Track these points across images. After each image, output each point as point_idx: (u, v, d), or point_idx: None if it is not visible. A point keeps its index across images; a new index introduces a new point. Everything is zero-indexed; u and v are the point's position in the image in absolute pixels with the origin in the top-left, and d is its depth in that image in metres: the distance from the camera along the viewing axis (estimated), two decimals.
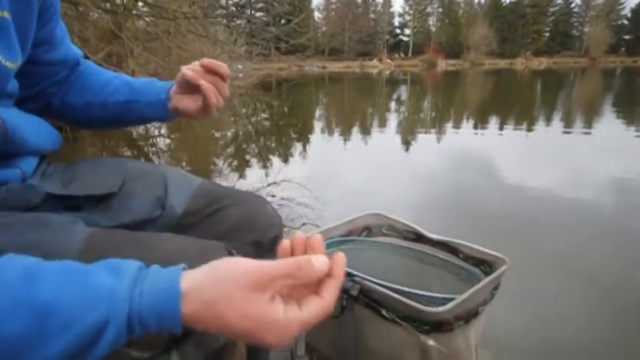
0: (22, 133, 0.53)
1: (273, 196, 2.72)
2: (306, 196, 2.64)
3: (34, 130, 0.57)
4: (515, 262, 1.74)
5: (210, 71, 0.63)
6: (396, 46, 59.24)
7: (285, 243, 0.41)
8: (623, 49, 53.00)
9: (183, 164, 4.05)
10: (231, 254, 0.50)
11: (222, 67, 0.63)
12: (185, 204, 0.61)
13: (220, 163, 4.07)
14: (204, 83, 0.62)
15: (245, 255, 0.61)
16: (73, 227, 0.46)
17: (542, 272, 1.72)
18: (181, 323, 0.32)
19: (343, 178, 3.34)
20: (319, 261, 0.37)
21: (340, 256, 0.39)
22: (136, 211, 0.57)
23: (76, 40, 3.00)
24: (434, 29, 56.59)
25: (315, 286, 0.38)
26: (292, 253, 0.41)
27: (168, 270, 0.34)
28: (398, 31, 60.87)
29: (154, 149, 4.86)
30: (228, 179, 3.33)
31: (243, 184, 3.05)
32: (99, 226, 0.52)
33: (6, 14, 0.47)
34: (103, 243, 0.46)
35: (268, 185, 3.02)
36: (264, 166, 3.75)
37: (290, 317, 0.34)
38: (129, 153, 4.45)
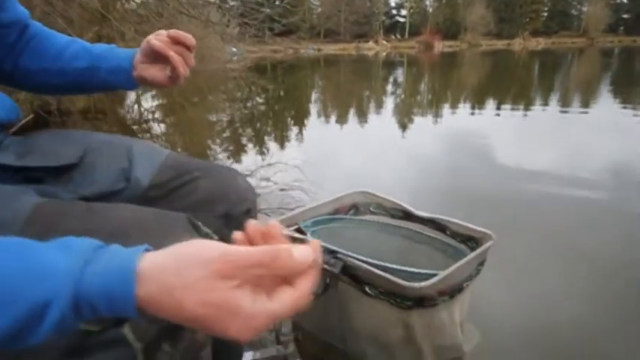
0: None
1: (267, 178, 2.70)
2: (300, 179, 2.62)
3: None
4: (510, 243, 1.76)
5: (176, 42, 0.64)
6: (392, 28, 58.43)
7: (237, 235, 0.36)
8: (622, 28, 52.49)
9: (178, 149, 4.01)
10: (195, 226, 0.48)
11: (189, 38, 0.64)
12: (151, 176, 0.59)
13: (215, 147, 4.04)
14: (173, 54, 0.63)
15: (214, 228, 0.59)
16: (21, 197, 0.44)
17: (537, 253, 1.71)
18: (136, 307, 0.29)
19: (339, 162, 3.32)
20: (301, 252, 0.32)
21: (316, 243, 0.35)
22: (98, 183, 0.55)
23: (60, 20, 2.93)
24: (431, 10, 55.80)
25: (289, 275, 0.33)
26: (250, 244, 0.36)
27: (128, 249, 0.32)
28: (394, 12, 59.97)
29: (148, 135, 4.81)
30: (223, 163, 3.30)
31: (237, 167, 3.03)
32: (59, 198, 0.50)
33: None
34: (54, 212, 0.44)
35: (262, 167, 3.00)
36: (260, 150, 3.73)
37: (257, 308, 0.30)
38: None
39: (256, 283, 0.31)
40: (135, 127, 5.22)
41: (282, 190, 2.48)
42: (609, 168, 2.89)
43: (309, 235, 1.05)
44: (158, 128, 5.21)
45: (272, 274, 0.31)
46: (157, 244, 0.41)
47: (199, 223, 0.50)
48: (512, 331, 1.26)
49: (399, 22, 59.43)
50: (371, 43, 43.94)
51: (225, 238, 0.63)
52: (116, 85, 0.69)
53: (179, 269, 0.30)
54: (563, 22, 54.47)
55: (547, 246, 1.77)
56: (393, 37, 54.79)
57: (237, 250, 0.31)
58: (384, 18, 55.62)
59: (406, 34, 54.75)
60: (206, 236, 0.51)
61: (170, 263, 0.30)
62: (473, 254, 0.95)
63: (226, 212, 0.61)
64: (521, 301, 1.41)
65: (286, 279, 0.33)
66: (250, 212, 0.64)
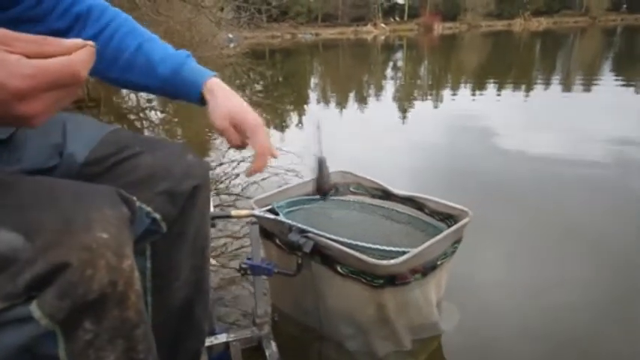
0: None
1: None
2: (297, 164, 2.59)
3: None
4: (501, 222, 1.74)
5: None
6: (390, 10, 57.48)
7: None
8: (625, 6, 51.63)
9: (178, 137, 3.98)
10: (126, 200, 0.45)
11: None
12: (87, 151, 0.56)
13: (215, 134, 4.00)
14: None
15: (155, 206, 0.57)
16: None
17: (531, 233, 1.70)
18: None
19: (337, 147, 3.27)
20: (72, 39, 0.36)
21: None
22: (28, 160, 0.52)
23: None
24: None
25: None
26: None
27: None
28: None
29: (146, 122, 4.76)
30: (222, 150, 3.27)
31: (234, 155, 3.00)
32: None
33: None
34: None
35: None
36: None
37: (25, 60, 0.32)
38: (118, 126, 4.34)
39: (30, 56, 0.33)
40: (131, 117, 5.15)
41: (276, 174, 2.46)
42: (610, 148, 2.86)
43: (281, 216, 1.03)
44: (156, 117, 5.15)
45: (44, 51, 0.34)
46: (72, 216, 0.39)
47: (134, 198, 0.47)
48: (496, 311, 1.25)
49: (397, 4, 58.53)
50: (369, 27, 43.30)
51: (169, 216, 0.61)
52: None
53: None
54: (564, 1, 53.56)
55: (542, 226, 1.76)
56: (392, 19, 53.99)
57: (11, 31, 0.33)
58: (382, 1, 54.82)
59: (405, 16, 53.97)
60: (140, 211, 0.49)
61: None
62: (446, 232, 0.93)
63: (169, 189, 0.58)
64: (510, 281, 1.40)
65: None
66: (199, 189, 0.61)
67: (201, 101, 0.65)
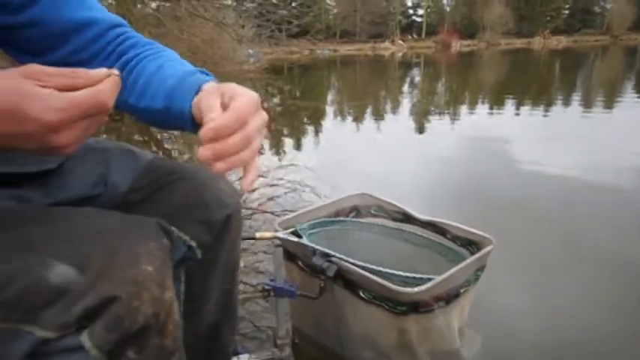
0: None
1: (280, 179, 2.70)
2: (314, 180, 2.61)
3: None
4: (522, 247, 1.71)
5: None
6: (408, 27, 57.91)
7: None
8: None
9: (196, 147, 4.04)
10: (166, 231, 0.48)
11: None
12: (130, 181, 0.59)
13: None
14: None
15: (192, 234, 0.59)
16: None
17: (554, 257, 1.66)
18: None
19: (354, 163, 3.28)
20: (97, 69, 0.38)
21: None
22: (74, 188, 0.55)
23: None
24: (448, 9, 55.19)
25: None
26: None
27: None
28: (411, 11, 59.41)
29: (166, 135, 4.84)
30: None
31: None
32: (32, 203, 0.50)
33: None
34: (14, 217, 0.43)
35: (275, 169, 3.00)
36: (275, 151, 3.74)
37: (56, 94, 0.35)
38: (140, 139, 4.44)
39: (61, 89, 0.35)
40: (153, 129, 5.24)
41: (294, 190, 2.48)
42: (634, 167, 2.81)
43: (304, 238, 1.04)
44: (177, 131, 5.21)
45: (73, 84, 0.36)
46: (121, 250, 0.41)
47: (172, 228, 0.49)
48: (517, 338, 1.23)
49: (415, 21, 58.96)
50: (387, 44, 43.62)
51: (204, 243, 0.62)
52: (189, 131, 0.50)
53: None
54: (585, 20, 53.16)
55: (563, 250, 1.72)
56: (410, 37, 54.33)
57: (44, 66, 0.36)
58: (400, 18, 55.26)
59: (423, 33, 54.23)
60: (178, 240, 0.51)
61: None
62: (470, 259, 0.93)
63: (205, 218, 0.60)
64: (534, 307, 1.37)
65: None
66: (232, 217, 0.63)
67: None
